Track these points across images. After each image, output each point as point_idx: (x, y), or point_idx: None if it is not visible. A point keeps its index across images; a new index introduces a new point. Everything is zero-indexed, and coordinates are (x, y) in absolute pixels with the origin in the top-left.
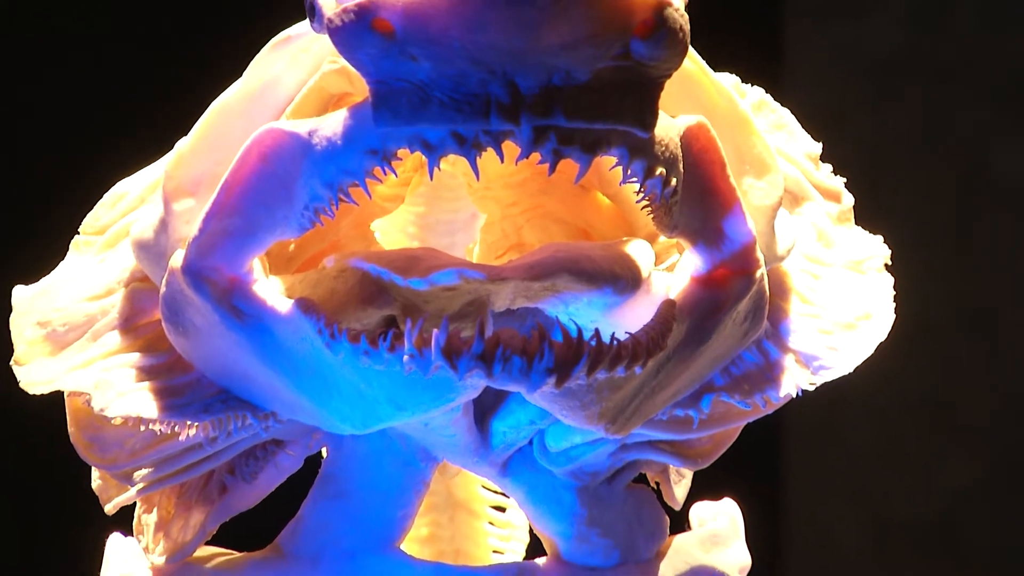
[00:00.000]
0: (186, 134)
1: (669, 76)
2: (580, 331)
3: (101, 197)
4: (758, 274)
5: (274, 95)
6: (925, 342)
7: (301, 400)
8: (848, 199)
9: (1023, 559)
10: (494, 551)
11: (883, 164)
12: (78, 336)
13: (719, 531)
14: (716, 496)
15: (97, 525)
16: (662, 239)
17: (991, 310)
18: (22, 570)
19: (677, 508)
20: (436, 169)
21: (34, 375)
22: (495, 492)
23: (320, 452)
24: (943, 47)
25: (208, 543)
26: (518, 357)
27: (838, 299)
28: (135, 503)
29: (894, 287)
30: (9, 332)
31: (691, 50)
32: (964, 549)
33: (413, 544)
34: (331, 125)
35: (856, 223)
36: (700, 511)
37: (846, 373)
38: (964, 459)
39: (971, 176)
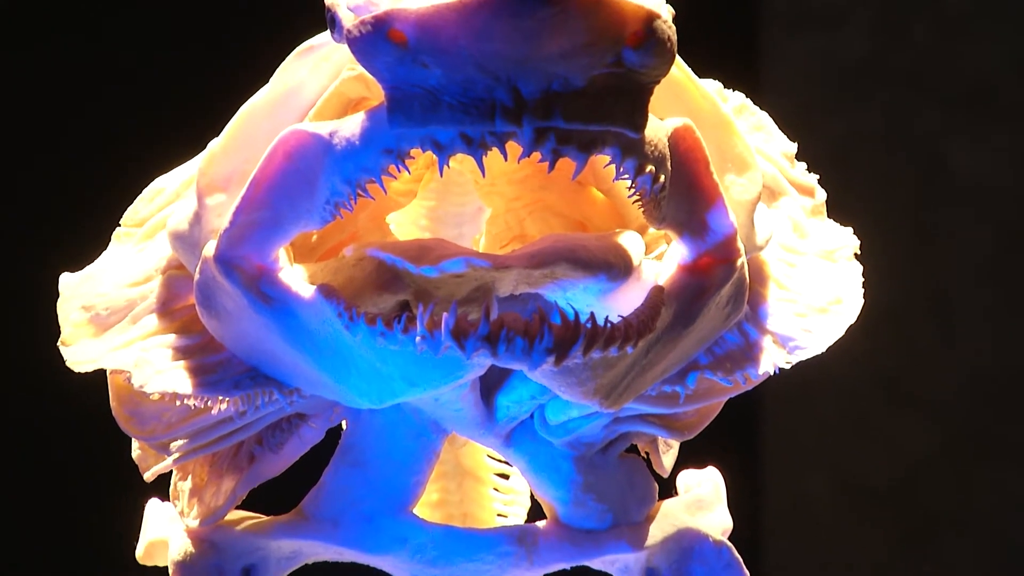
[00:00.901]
0: (218, 135)
1: (658, 82)
2: (577, 314)
3: (140, 193)
4: (739, 262)
5: (298, 99)
6: (889, 324)
7: (323, 377)
8: (821, 194)
9: (975, 519)
10: (498, 515)
11: (851, 162)
12: (119, 319)
13: (704, 496)
14: (700, 464)
15: (137, 491)
16: (651, 231)
17: (948, 295)
18: (71, 532)
19: (665, 476)
20: (446, 167)
21: (79, 355)
22: (499, 461)
23: (340, 424)
24: (903, 56)
25: (238, 508)
26: (520, 338)
27: (812, 285)
28: (171, 471)
29: (862, 274)
30: (57, 315)
31: (677, 58)
32: (923, 511)
33: (425, 508)
34: (350, 127)
35: (828, 216)
36: (686, 478)
37: (819, 353)
38: (923, 430)
39: (929, 173)
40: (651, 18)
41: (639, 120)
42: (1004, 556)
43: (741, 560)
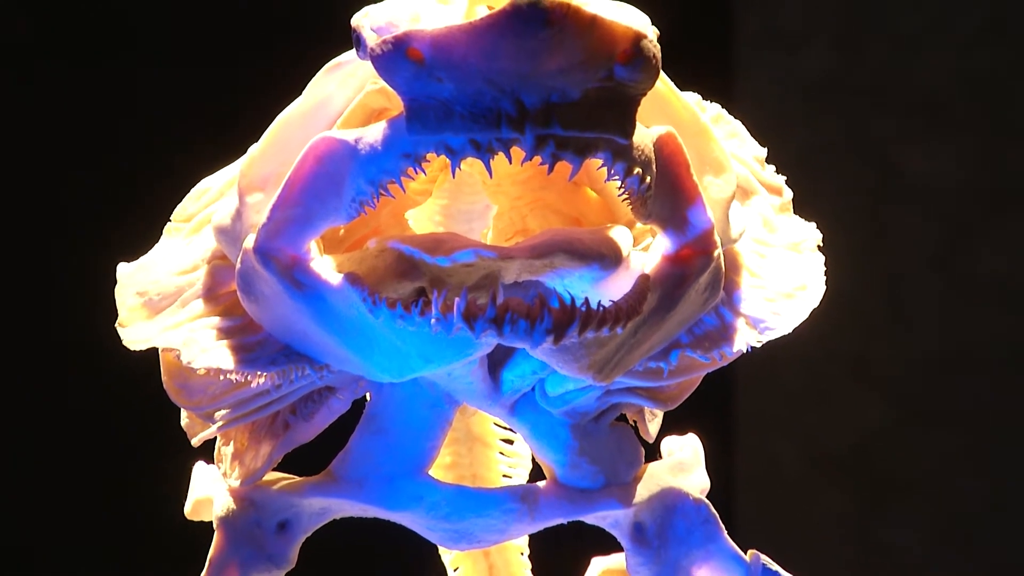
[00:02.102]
0: (256, 142)
1: (644, 94)
2: (573, 299)
3: (188, 192)
4: (716, 254)
5: (327, 110)
6: (848, 308)
7: (349, 354)
8: (788, 193)
9: (923, 481)
10: (504, 476)
11: (815, 165)
12: (170, 303)
13: (684, 459)
14: (682, 431)
15: (185, 455)
16: (639, 225)
17: (900, 282)
18: (129, 491)
19: (651, 441)
20: (457, 169)
21: (134, 335)
22: (504, 428)
23: (364, 396)
24: (860, 72)
25: (274, 470)
26: (523, 320)
27: (780, 274)
28: (216, 437)
29: (824, 264)
30: (115, 300)
31: (661, 73)
32: (877, 475)
33: (439, 470)
34: (373, 134)
35: (794, 212)
36: (669, 443)
37: (786, 333)
38: (878, 402)
39: (883, 175)
40: (638, 38)
41: (628, 128)
42: (947, 513)
43: (717, 515)
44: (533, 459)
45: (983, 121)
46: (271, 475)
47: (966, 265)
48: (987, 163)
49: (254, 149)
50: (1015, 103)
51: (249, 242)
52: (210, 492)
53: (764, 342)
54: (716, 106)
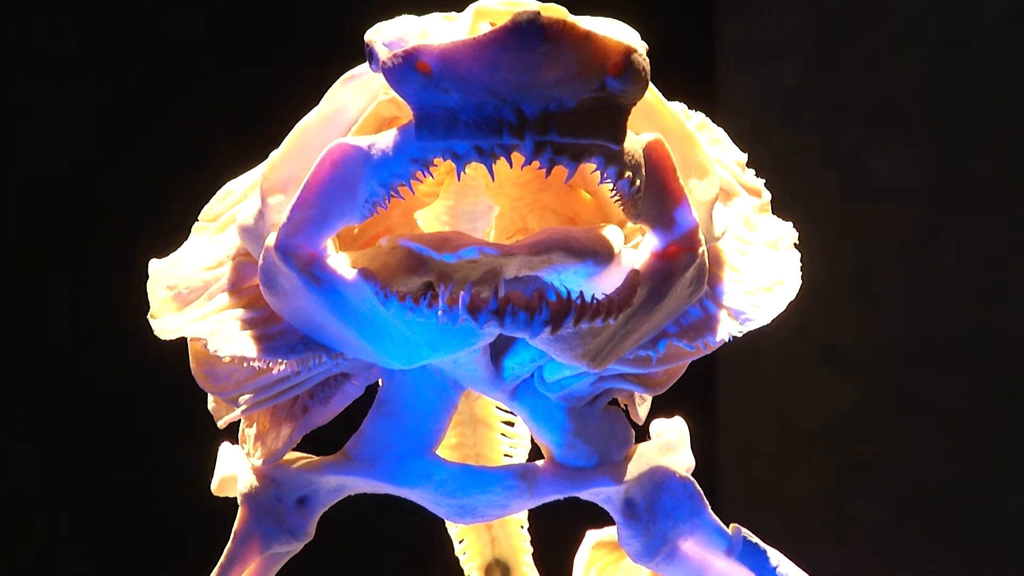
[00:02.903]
0: (277, 148)
1: (635, 104)
2: (569, 293)
3: (214, 194)
4: (700, 251)
5: (342, 118)
6: (821, 300)
7: (362, 344)
8: (766, 195)
9: (891, 457)
10: (505, 455)
11: (791, 169)
12: (197, 296)
13: (671, 440)
14: (669, 414)
15: (211, 437)
16: (629, 225)
17: (869, 274)
18: (160, 469)
19: (640, 423)
20: (462, 173)
21: (165, 326)
22: (506, 412)
23: (377, 382)
24: (831, 84)
25: (293, 450)
26: (523, 312)
27: (759, 269)
28: (240, 420)
29: (800, 260)
30: (147, 294)
31: (650, 84)
32: (849, 453)
33: (445, 450)
34: (385, 140)
35: (772, 213)
36: (657, 425)
37: (764, 323)
38: (849, 385)
39: (852, 177)
40: (629, 52)
41: (619, 135)
42: (913, 487)
43: (701, 491)
44: (532, 440)
45: (941, 129)
46: (291, 454)
47: (928, 259)
48: (945, 166)
49: (275, 154)
50: (969, 113)
51: (271, 240)
52: (235, 470)
53: (744, 332)
54: (700, 115)
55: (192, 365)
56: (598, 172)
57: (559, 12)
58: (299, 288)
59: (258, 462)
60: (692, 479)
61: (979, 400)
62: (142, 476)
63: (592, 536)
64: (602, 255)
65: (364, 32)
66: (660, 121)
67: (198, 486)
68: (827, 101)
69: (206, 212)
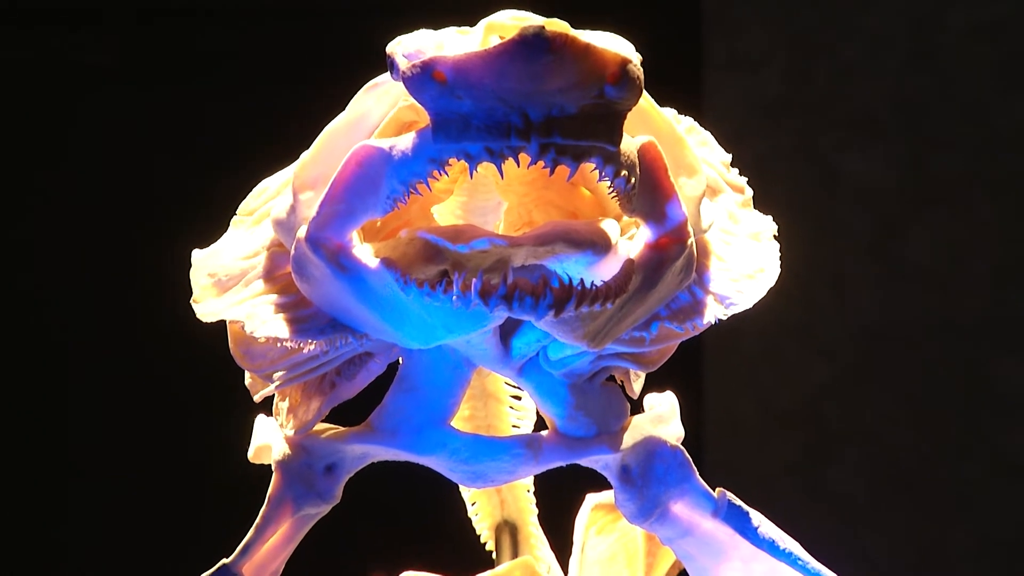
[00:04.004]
0: (307, 149)
1: (630, 109)
2: (571, 280)
3: (251, 191)
4: (689, 242)
5: (366, 122)
6: (798, 287)
7: (384, 326)
8: (749, 192)
9: (860, 431)
10: (513, 426)
11: (771, 169)
12: (235, 283)
13: (663, 412)
14: (661, 389)
15: (248, 409)
16: (625, 218)
17: (841, 265)
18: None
19: (635, 398)
20: (474, 171)
21: (206, 310)
22: (513, 387)
23: (398, 360)
24: (808, 92)
25: (322, 421)
26: (529, 297)
27: (742, 258)
28: (274, 395)
29: (779, 250)
30: (190, 281)
31: (644, 91)
32: (823, 425)
33: (459, 422)
34: (404, 142)
35: (754, 208)
36: (650, 399)
37: (747, 308)
38: (822, 365)
39: (827, 177)
40: (625, 62)
41: (616, 138)
42: (880, 459)
43: (690, 459)
44: (537, 412)
45: (908, 133)
46: (320, 425)
47: (894, 251)
48: (911, 167)
49: (306, 155)
50: (933, 118)
51: (301, 232)
52: (269, 440)
53: (729, 315)
54: (689, 119)
55: (231, 345)
56: (597, 171)
57: (562, 27)
58: (327, 276)
59: (290, 432)
60: (681, 448)
61: (939, 378)
62: (188, 445)
63: (591, 499)
64: (600, 246)
65: (385, 45)
66: (653, 125)
67: (237, 454)
68: (803, 108)
69: (243, 207)
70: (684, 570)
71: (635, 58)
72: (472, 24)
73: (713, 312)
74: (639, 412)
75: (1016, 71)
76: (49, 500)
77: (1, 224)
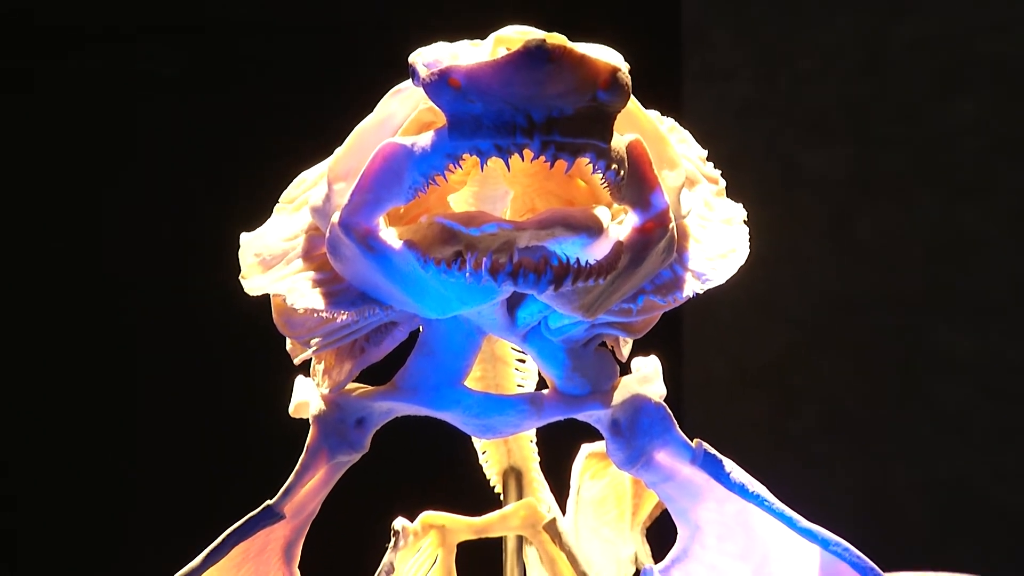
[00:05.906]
0: (340, 145)
1: (619, 111)
2: (568, 259)
3: (291, 182)
4: (671, 226)
5: (391, 123)
6: (764, 265)
7: (406, 298)
8: (722, 183)
9: (819, 389)
10: (518, 385)
11: (742, 164)
12: (278, 261)
13: (648, 373)
14: (646, 353)
15: (288, 371)
16: (615, 206)
17: (801, 244)
18: (249, 396)
19: (624, 361)
20: (485, 165)
21: (252, 285)
22: (518, 351)
23: (418, 328)
24: (772, 97)
25: (353, 381)
26: (532, 274)
27: (717, 240)
28: (311, 358)
29: (748, 234)
30: (238, 260)
31: (631, 96)
32: (785, 384)
33: (471, 381)
34: (424, 140)
35: (727, 197)
36: (637, 362)
37: (721, 283)
38: (785, 331)
39: (788, 170)
40: (615, 71)
41: (608, 136)
42: (835, 410)
43: (671, 414)
44: (539, 373)
45: (857, 133)
46: (351, 385)
47: (846, 234)
48: (860, 163)
49: (339, 151)
50: (881, 120)
51: (335, 218)
52: (307, 397)
53: (705, 289)
54: (671, 120)
55: (274, 315)
56: (591, 165)
57: (560, 40)
58: (357, 255)
59: (325, 391)
60: (664, 404)
61: (885, 342)
62: (236, 399)
63: (585, 448)
64: (594, 229)
65: (408, 56)
66: (639, 125)
67: (280, 410)
68: (768, 111)
69: (285, 195)
70: (666, 510)
71: (624, 67)
72: (483, 38)
73: (691, 287)
74: (627, 373)
75: (950, 79)
76: (122, 445)
77: (82, 215)
